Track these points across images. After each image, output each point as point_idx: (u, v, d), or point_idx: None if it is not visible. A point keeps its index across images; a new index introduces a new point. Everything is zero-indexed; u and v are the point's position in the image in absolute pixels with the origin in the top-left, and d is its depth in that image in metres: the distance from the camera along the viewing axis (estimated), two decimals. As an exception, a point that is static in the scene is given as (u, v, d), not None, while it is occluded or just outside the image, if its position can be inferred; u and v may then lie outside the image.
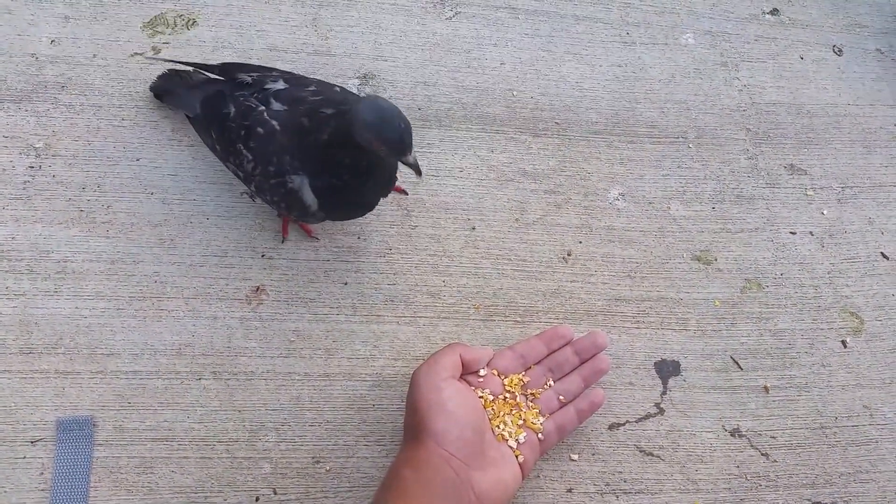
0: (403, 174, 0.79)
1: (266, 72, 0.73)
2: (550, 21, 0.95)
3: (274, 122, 0.66)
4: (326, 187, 0.65)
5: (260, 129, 0.66)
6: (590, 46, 0.95)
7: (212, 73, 0.75)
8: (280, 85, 0.69)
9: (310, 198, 0.66)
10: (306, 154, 0.65)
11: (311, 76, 0.73)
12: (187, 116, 0.77)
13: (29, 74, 0.81)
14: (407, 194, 0.81)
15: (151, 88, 0.81)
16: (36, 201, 0.76)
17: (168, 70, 0.81)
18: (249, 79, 0.71)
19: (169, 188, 0.78)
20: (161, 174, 0.79)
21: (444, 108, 0.87)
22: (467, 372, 0.68)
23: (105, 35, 0.85)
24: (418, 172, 0.62)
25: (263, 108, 0.68)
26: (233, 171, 0.72)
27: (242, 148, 0.67)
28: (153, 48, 0.85)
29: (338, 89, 0.70)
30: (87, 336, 0.71)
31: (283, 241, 0.77)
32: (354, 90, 0.86)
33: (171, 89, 0.80)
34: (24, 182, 0.76)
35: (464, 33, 0.93)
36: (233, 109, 0.69)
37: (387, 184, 0.69)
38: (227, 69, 0.74)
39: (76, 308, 0.72)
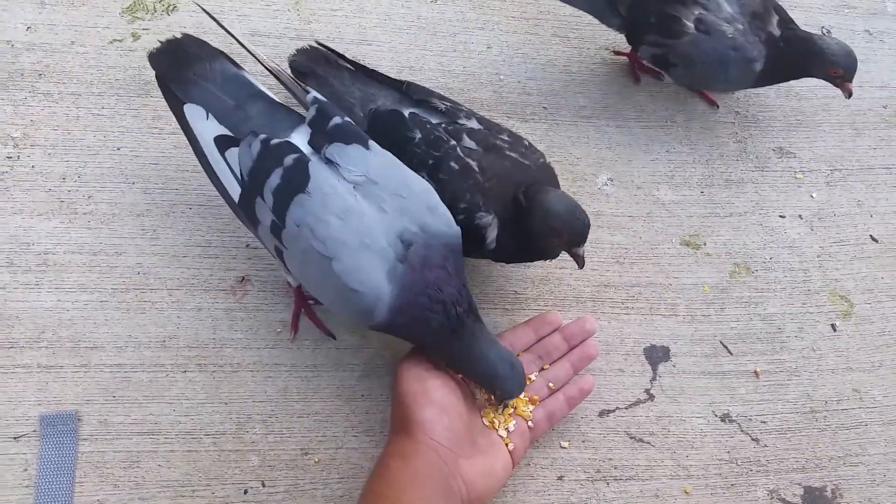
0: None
1: (455, 103, 0.73)
2: (537, 3, 0.94)
3: (470, 161, 0.67)
4: (509, 231, 0.67)
5: (454, 165, 0.67)
6: (577, 29, 0.93)
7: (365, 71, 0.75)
8: (474, 124, 0.71)
9: (492, 235, 0.67)
10: (500, 202, 0.66)
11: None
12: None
13: (4, 62, 0.80)
14: None
15: (291, 63, 0.77)
16: (14, 192, 0.74)
17: (309, 46, 0.77)
18: (443, 107, 0.71)
19: (150, 178, 0.77)
20: (142, 163, 0.77)
21: (431, 93, 0.85)
22: None
23: (83, 21, 0.83)
24: (581, 264, 0.67)
25: (455, 143, 0.68)
26: None
27: (425, 176, 0.67)
28: (133, 34, 0.84)
29: (526, 143, 0.71)
30: (69, 329, 0.70)
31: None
32: (339, 76, 0.85)
33: (318, 73, 0.76)
34: (2, 173, 0.75)
35: (450, 16, 0.92)
36: (418, 135, 0.69)
37: None
38: (412, 88, 0.73)
39: (58, 301, 0.71)
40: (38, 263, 0.72)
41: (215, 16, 0.70)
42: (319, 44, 0.78)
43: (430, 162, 0.68)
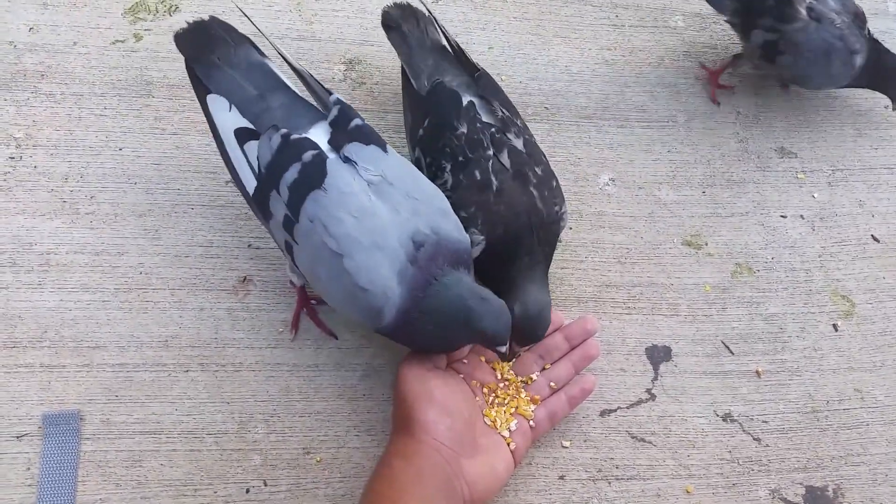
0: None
1: (514, 115, 0.74)
2: (539, 4, 0.94)
3: (494, 179, 0.67)
4: (487, 258, 0.67)
5: (477, 174, 0.67)
6: (579, 29, 0.94)
7: (448, 42, 0.77)
8: (520, 145, 0.70)
9: (475, 253, 0.66)
10: (495, 229, 0.66)
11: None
12: (403, 71, 0.76)
13: (7, 63, 0.80)
14: None
15: (384, 14, 0.78)
16: (17, 192, 0.75)
17: (406, 3, 0.79)
18: (500, 113, 0.71)
19: (152, 178, 0.77)
20: (144, 163, 0.77)
21: (432, 93, 0.86)
22: (453, 361, 0.67)
23: (85, 22, 0.83)
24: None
25: (492, 154, 0.68)
26: (412, 160, 0.73)
27: (448, 169, 0.68)
28: (135, 35, 0.84)
29: (554, 184, 0.71)
30: (72, 329, 0.70)
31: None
32: (340, 75, 0.85)
33: (403, 30, 0.77)
34: (5, 173, 0.75)
35: (451, 17, 0.92)
36: (463, 129, 0.69)
37: None
38: (482, 81, 0.74)
39: (61, 301, 0.71)
40: (40, 263, 0.72)
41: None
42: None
43: (460, 159, 0.68)
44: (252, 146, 0.63)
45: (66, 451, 0.65)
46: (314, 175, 0.60)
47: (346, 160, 0.61)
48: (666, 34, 0.95)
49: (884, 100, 0.94)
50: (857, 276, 0.84)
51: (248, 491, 0.66)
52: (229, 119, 0.64)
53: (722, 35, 0.96)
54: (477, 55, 0.89)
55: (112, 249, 0.74)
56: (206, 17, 0.68)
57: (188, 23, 0.67)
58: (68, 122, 0.78)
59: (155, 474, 0.66)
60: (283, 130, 0.62)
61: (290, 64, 0.70)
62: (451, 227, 0.62)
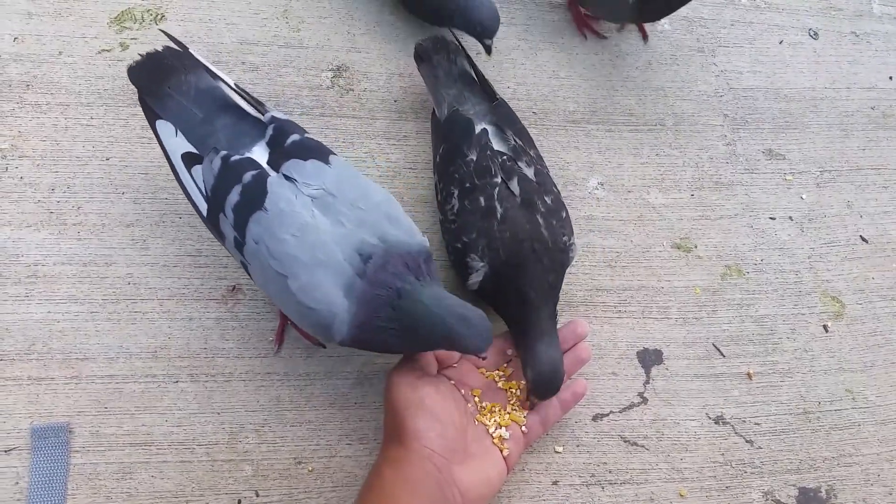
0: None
1: (528, 144, 0.75)
2: (525, 9, 0.94)
3: (499, 206, 0.68)
4: (492, 284, 0.67)
5: (482, 200, 0.68)
6: (565, 34, 0.94)
7: (477, 75, 0.79)
8: (530, 173, 0.71)
9: (476, 279, 0.67)
10: (500, 255, 0.66)
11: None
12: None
13: (-8, 73, 0.79)
14: None
15: (416, 46, 0.81)
16: (3, 204, 0.74)
17: (440, 36, 0.81)
18: (512, 142, 0.73)
19: (140, 187, 0.76)
20: (132, 173, 0.77)
21: (421, 99, 0.86)
22: (443, 367, 0.67)
23: (70, 31, 0.83)
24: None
25: (500, 181, 0.69)
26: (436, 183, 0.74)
27: (455, 194, 0.69)
28: (121, 44, 0.83)
29: (563, 215, 0.71)
30: (60, 341, 0.69)
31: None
32: (328, 83, 0.85)
33: (432, 61, 0.79)
34: (-9, 184, 0.75)
35: (438, 23, 0.92)
36: (474, 155, 0.70)
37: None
38: (499, 110, 0.76)
39: (49, 312, 0.70)
40: (27, 275, 0.71)
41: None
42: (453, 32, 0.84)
43: (467, 185, 0.69)
44: (199, 170, 0.63)
45: (55, 465, 0.65)
46: (255, 196, 0.60)
47: (287, 178, 0.61)
48: (653, 37, 0.95)
49: (871, 101, 0.94)
50: (846, 276, 0.84)
51: (239, 502, 0.66)
52: (177, 144, 0.64)
53: (709, 38, 0.96)
54: (465, 61, 0.89)
55: (100, 260, 0.73)
56: (159, 48, 0.67)
57: (140, 55, 0.67)
58: (54, 133, 0.78)
59: (146, 486, 0.65)
60: (223, 153, 0.62)
61: (229, 85, 0.68)
62: (400, 232, 0.60)
